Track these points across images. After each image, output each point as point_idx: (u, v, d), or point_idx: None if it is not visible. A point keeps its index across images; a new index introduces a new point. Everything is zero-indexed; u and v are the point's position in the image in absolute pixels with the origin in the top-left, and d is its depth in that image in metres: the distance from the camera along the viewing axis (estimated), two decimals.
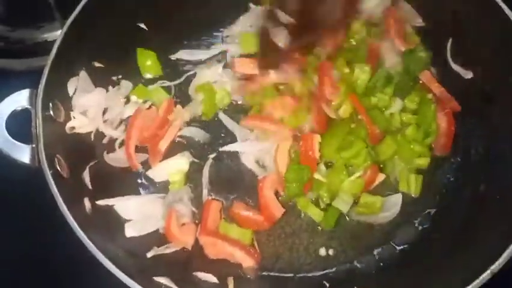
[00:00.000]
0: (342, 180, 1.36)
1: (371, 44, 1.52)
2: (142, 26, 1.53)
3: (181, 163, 1.42)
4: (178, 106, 1.50)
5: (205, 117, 1.49)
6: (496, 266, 1.09)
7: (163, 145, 1.43)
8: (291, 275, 1.32)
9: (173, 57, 1.58)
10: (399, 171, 1.42)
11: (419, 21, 1.56)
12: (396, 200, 1.39)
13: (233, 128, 1.48)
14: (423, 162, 1.42)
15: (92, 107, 1.38)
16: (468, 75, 1.47)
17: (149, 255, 1.25)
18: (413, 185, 1.39)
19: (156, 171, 1.41)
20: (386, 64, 1.52)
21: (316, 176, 1.37)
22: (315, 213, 1.36)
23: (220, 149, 1.45)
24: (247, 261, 1.30)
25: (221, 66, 1.56)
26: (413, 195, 1.39)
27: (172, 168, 1.41)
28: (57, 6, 1.68)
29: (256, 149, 1.43)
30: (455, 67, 1.49)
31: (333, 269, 1.32)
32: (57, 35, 1.30)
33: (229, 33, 1.63)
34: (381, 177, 1.40)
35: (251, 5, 1.63)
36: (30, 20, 1.75)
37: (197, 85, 1.51)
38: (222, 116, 1.49)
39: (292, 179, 1.35)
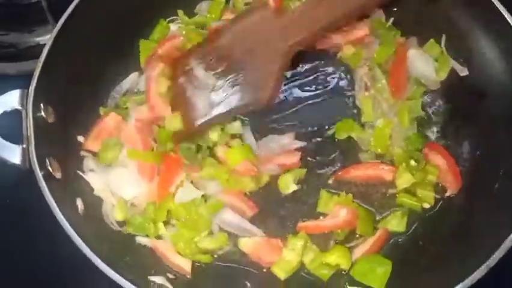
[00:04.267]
0: None
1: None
2: None
3: None
4: None
5: None
6: (491, 261, 1.08)
7: None
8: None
9: None
10: None
11: None
12: None
13: None
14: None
15: None
16: (464, 72, 1.46)
17: None
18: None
19: None
20: (415, 74, 1.47)
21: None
22: None
23: None
24: None
25: None
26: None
27: None
28: (50, 10, 1.67)
29: None
30: (453, 63, 1.48)
31: None
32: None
33: None
34: None
35: None
36: (23, 24, 1.75)
37: None
38: None
39: None
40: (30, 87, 1.23)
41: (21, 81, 1.37)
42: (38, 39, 1.72)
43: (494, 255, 1.08)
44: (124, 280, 1.08)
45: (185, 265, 1.25)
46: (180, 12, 1.57)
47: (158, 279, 1.18)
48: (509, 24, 1.30)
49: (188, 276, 1.25)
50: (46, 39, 1.65)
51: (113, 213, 1.29)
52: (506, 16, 1.31)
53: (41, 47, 1.64)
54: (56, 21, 1.33)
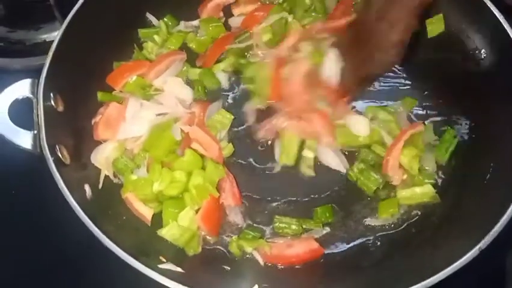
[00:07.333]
0: None
1: None
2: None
3: None
4: None
5: None
6: (483, 243, 1.12)
7: None
8: None
9: None
10: None
11: None
12: None
13: None
14: None
15: None
16: None
17: None
18: None
19: None
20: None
21: None
22: None
23: None
24: None
25: None
26: None
27: None
28: (57, 7, 1.72)
29: None
30: None
31: None
32: (56, 35, 1.35)
33: None
34: None
35: None
36: (30, 21, 1.80)
37: None
38: None
39: None
40: (40, 77, 1.27)
41: (28, 76, 1.41)
42: (44, 36, 1.78)
43: (484, 240, 1.13)
44: (133, 260, 1.11)
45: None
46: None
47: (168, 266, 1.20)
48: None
49: None
50: (52, 36, 1.74)
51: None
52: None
53: (47, 43, 1.73)
54: (64, 17, 1.38)
